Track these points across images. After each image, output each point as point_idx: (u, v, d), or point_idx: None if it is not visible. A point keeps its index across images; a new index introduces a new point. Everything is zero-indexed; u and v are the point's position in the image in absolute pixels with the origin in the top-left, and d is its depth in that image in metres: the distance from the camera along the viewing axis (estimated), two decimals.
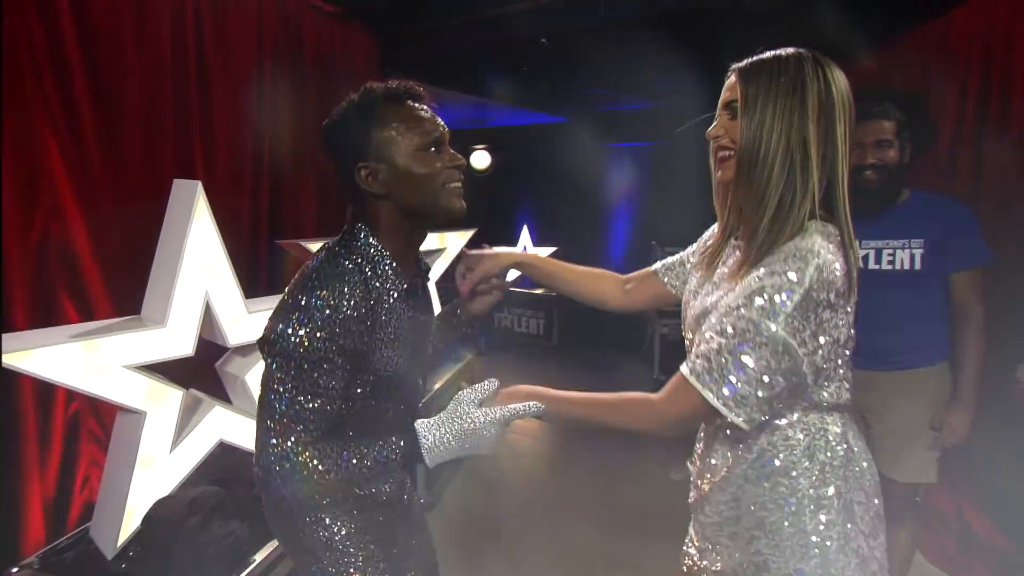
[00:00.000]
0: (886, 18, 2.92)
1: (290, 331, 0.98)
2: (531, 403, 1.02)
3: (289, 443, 0.98)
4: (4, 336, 1.48)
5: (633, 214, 6.26)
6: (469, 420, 1.00)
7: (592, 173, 6.11)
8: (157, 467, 1.70)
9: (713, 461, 1.12)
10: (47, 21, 1.85)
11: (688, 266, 1.31)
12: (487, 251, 1.34)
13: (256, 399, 1.88)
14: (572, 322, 6.01)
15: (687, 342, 1.15)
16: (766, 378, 0.91)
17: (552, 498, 3.23)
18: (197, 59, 2.39)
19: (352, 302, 1.01)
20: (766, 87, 0.96)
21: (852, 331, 1.00)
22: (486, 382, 1.05)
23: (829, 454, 1.01)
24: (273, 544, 1.70)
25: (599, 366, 5.52)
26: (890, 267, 1.83)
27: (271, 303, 1.97)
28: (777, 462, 1.02)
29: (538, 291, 6.08)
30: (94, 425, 2.01)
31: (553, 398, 1.05)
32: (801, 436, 1.02)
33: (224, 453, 1.92)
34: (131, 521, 1.66)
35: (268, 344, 1.01)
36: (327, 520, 1.15)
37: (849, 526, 1.00)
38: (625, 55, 3.84)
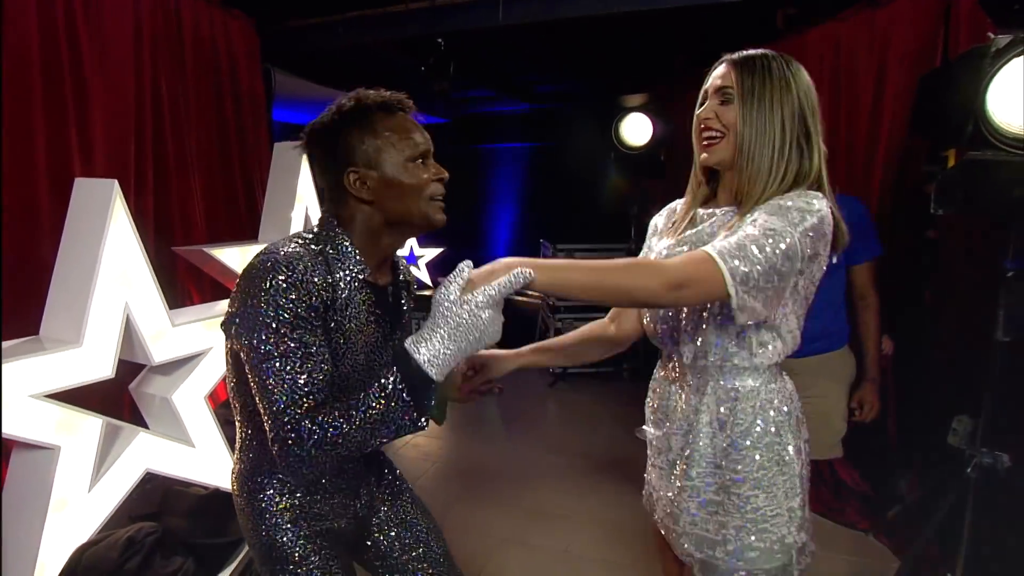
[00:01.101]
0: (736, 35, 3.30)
1: (258, 301, 0.96)
2: (516, 271, 0.92)
3: (295, 416, 0.94)
4: None
5: (520, 213, 6.42)
6: (453, 316, 0.91)
7: (476, 174, 6.18)
8: (72, 509, 1.47)
9: (702, 429, 1.16)
10: None
11: None
12: (494, 353, 1.28)
13: (183, 421, 1.71)
14: None
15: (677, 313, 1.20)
16: (770, 271, 0.97)
17: (474, 496, 3.24)
18: (70, 52, 2.10)
19: (314, 276, 1.00)
20: (761, 80, 1.06)
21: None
22: (458, 267, 0.95)
23: (794, 409, 1.17)
24: (225, 574, 1.55)
25: None
26: None
27: (195, 314, 1.81)
28: (769, 424, 1.12)
29: (426, 292, 6.03)
30: None
31: (547, 266, 0.95)
32: (780, 398, 1.14)
33: (151, 484, 1.71)
34: None
35: (236, 323, 0.99)
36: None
37: (806, 458, 1.17)
38: (510, 59, 3.94)
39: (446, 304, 0.92)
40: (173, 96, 2.69)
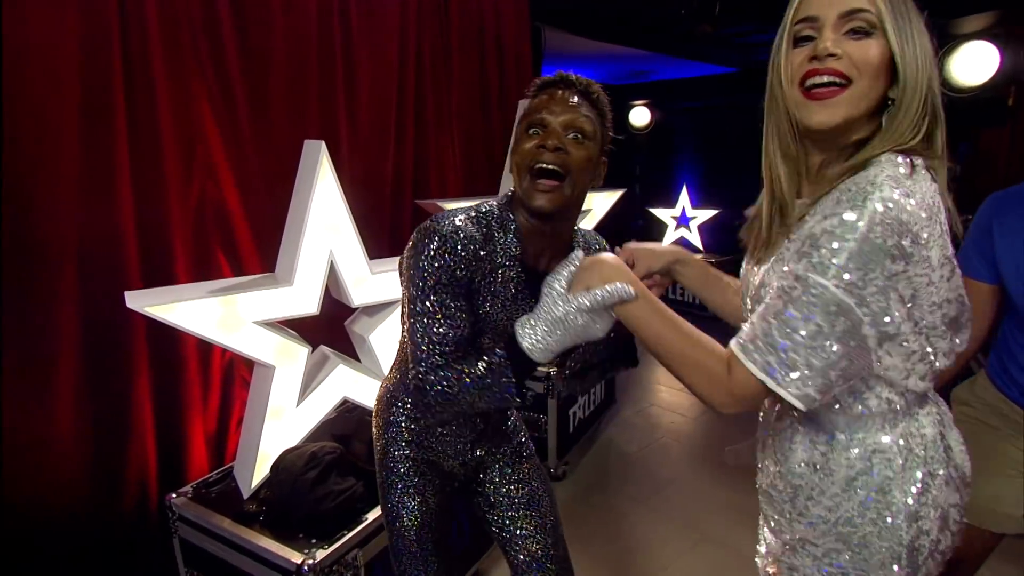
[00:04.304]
0: None
1: (415, 259, 1.05)
2: (619, 285, 0.89)
3: (425, 368, 1.04)
4: (157, 289, 1.61)
5: None
6: (552, 311, 0.95)
7: (758, 131, 5.46)
8: (284, 419, 1.78)
9: (793, 479, 0.96)
10: None
11: None
12: (647, 245, 1.17)
13: (378, 359, 1.91)
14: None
15: None
16: (816, 342, 0.76)
17: (693, 478, 3.00)
18: (341, 20, 2.42)
19: (464, 250, 1.05)
20: (903, 8, 0.80)
21: (952, 295, 0.82)
22: (570, 258, 0.98)
23: (926, 463, 0.88)
24: None
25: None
26: None
27: (394, 264, 1.99)
28: (871, 479, 0.88)
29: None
30: (245, 373, 2.19)
31: (646, 292, 0.91)
32: (896, 449, 0.88)
33: (353, 410, 1.98)
34: (263, 466, 1.76)
35: (402, 268, 1.11)
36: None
37: (949, 529, 0.90)
38: None
39: (550, 297, 0.95)
40: (435, 62, 2.93)
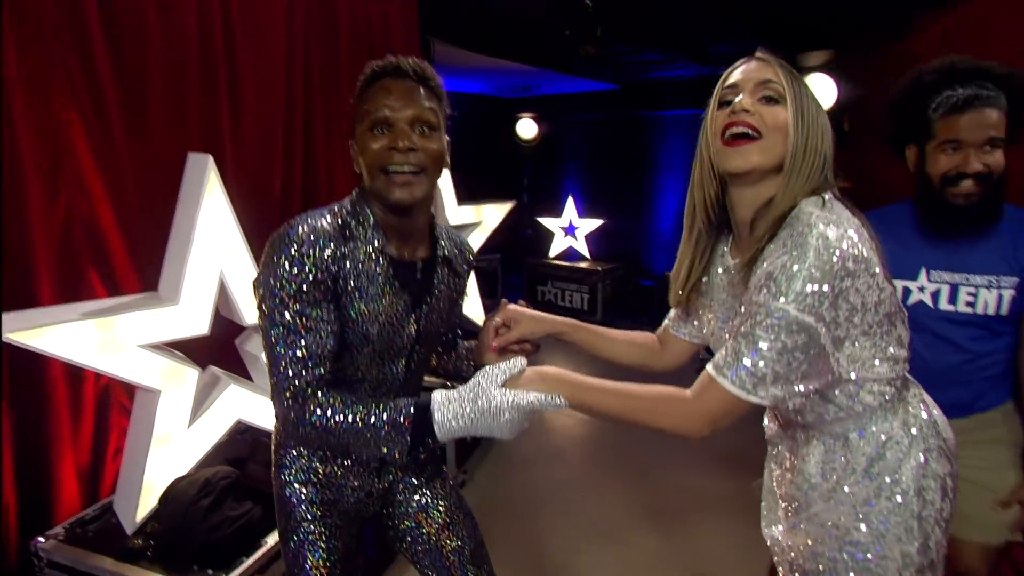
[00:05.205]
0: None
1: (269, 270, 1.00)
2: (553, 395, 0.95)
3: (294, 392, 0.99)
4: (17, 313, 1.48)
5: (682, 186, 5.95)
6: (488, 398, 0.94)
7: (641, 143, 5.84)
8: (174, 445, 1.69)
9: (811, 477, 1.09)
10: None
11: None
12: (528, 311, 1.23)
13: None
14: (616, 296, 5.85)
15: None
16: (783, 357, 0.88)
17: (588, 477, 3.15)
18: (224, 31, 2.33)
19: (324, 251, 1.02)
20: (798, 81, 0.99)
21: (888, 292, 0.96)
22: (513, 360, 0.99)
23: (924, 439, 1.03)
24: None
25: None
26: (968, 310, 1.43)
27: None
28: (886, 464, 1.02)
29: (582, 264, 5.92)
30: (124, 398, 2.03)
31: (582, 387, 0.98)
32: (902, 432, 1.03)
33: (246, 431, 1.91)
34: (149, 498, 1.66)
35: (255, 288, 1.05)
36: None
37: (948, 496, 1.04)
38: (679, 16, 3.59)
39: (483, 386, 0.95)
40: (325, 74, 2.89)
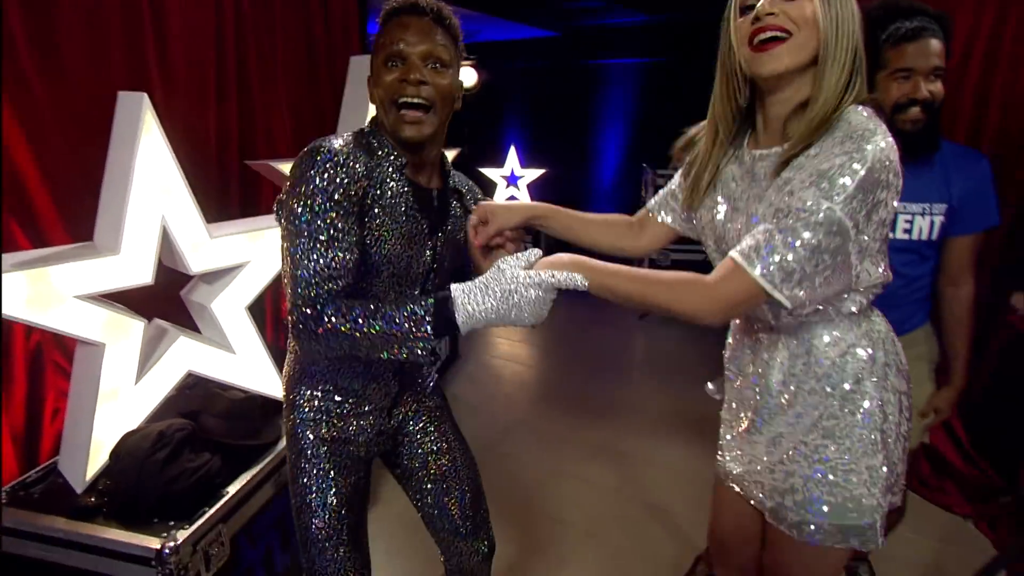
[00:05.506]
0: None
1: (299, 182, 1.02)
2: (576, 275, 0.94)
3: (313, 301, 0.99)
4: None
5: (624, 135, 6.03)
6: (511, 279, 0.93)
7: (583, 92, 5.83)
8: (122, 400, 1.63)
9: (773, 384, 1.12)
10: None
11: (682, 197, 1.25)
12: (501, 203, 1.22)
13: (223, 328, 1.81)
14: (559, 244, 5.91)
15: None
16: (814, 256, 0.90)
17: (539, 420, 3.24)
18: None
19: (356, 164, 1.05)
20: None
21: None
22: (529, 251, 0.99)
23: (885, 355, 1.08)
24: (249, 475, 1.66)
25: (586, 293, 5.50)
26: (905, 236, 1.53)
27: (240, 227, 1.87)
28: (847, 375, 1.06)
29: None
30: (59, 357, 1.92)
31: (600, 271, 0.97)
32: (864, 343, 1.07)
33: (196, 385, 1.86)
34: (99, 455, 1.60)
35: (279, 204, 1.08)
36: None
37: (904, 414, 1.10)
38: None
39: (508, 273, 0.94)
40: (257, 11, 2.71)
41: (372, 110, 2.78)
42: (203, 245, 1.70)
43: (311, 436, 1.24)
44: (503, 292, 0.92)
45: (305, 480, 1.24)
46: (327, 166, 1.01)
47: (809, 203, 0.89)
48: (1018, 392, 2.40)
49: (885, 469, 1.06)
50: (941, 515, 2.42)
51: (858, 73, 0.96)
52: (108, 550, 1.45)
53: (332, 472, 1.24)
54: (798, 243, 0.89)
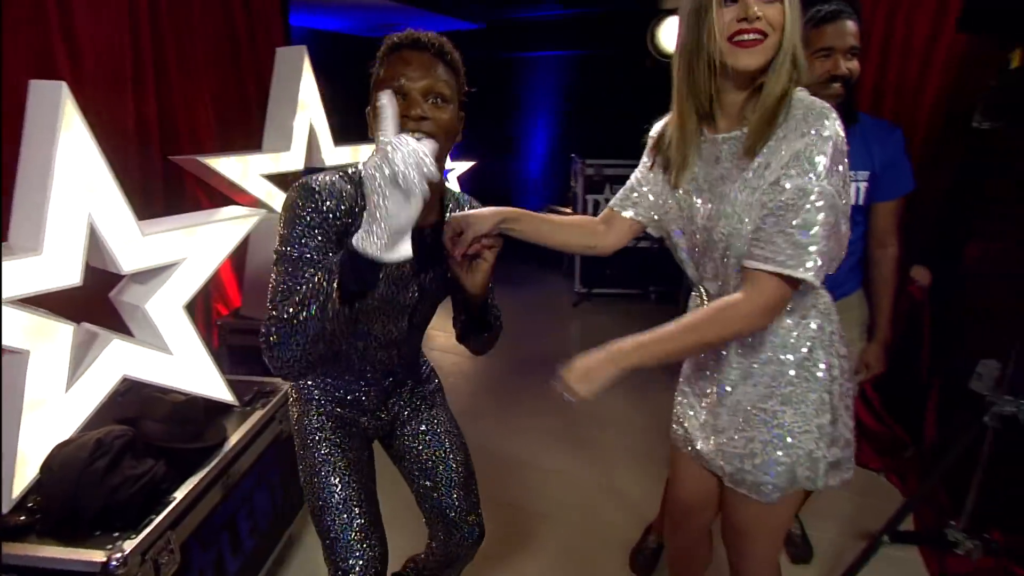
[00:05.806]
0: None
1: (284, 220, 1.08)
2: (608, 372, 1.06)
3: (274, 316, 1.02)
4: None
5: (552, 126, 6.13)
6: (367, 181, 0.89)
7: (509, 84, 5.88)
8: (51, 409, 1.53)
9: (732, 356, 1.20)
10: None
11: (645, 189, 1.32)
12: (472, 212, 1.22)
13: (159, 329, 1.73)
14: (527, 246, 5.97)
15: (696, 251, 1.21)
16: (829, 234, 1.01)
17: (484, 411, 3.27)
18: None
19: (340, 204, 1.09)
20: None
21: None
22: (425, 141, 0.94)
23: (831, 322, 1.19)
24: (196, 479, 1.60)
25: (521, 282, 5.56)
26: None
27: (175, 223, 1.79)
28: (801, 344, 1.16)
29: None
30: None
31: (654, 343, 1.06)
32: (816, 311, 1.17)
33: (130, 390, 1.77)
34: (26, 470, 1.50)
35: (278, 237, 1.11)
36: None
37: (845, 375, 1.20)
38: None
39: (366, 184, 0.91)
40: (174, 12, 2.58)
41: (306, 107, 2.70)
42: (135, 243, 1.62)
43: (317, 417, 1.35)
44: (369, 192, 0.89)
45: (315, 454, 1.32)
46: (314, 197, 1.07)
47: (800, 189, 0.99)
48: (916, 355, 2.66)
49: (831, 429, 1.17)
50: (857, 471, 2.64)
51: (799, 60, 1.06)
52: (47, 570, 1.37)
53: (340, 443, 1.34)
54: (817, 231, 0.99)
